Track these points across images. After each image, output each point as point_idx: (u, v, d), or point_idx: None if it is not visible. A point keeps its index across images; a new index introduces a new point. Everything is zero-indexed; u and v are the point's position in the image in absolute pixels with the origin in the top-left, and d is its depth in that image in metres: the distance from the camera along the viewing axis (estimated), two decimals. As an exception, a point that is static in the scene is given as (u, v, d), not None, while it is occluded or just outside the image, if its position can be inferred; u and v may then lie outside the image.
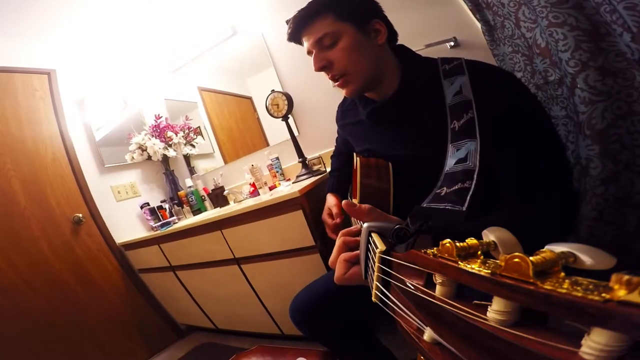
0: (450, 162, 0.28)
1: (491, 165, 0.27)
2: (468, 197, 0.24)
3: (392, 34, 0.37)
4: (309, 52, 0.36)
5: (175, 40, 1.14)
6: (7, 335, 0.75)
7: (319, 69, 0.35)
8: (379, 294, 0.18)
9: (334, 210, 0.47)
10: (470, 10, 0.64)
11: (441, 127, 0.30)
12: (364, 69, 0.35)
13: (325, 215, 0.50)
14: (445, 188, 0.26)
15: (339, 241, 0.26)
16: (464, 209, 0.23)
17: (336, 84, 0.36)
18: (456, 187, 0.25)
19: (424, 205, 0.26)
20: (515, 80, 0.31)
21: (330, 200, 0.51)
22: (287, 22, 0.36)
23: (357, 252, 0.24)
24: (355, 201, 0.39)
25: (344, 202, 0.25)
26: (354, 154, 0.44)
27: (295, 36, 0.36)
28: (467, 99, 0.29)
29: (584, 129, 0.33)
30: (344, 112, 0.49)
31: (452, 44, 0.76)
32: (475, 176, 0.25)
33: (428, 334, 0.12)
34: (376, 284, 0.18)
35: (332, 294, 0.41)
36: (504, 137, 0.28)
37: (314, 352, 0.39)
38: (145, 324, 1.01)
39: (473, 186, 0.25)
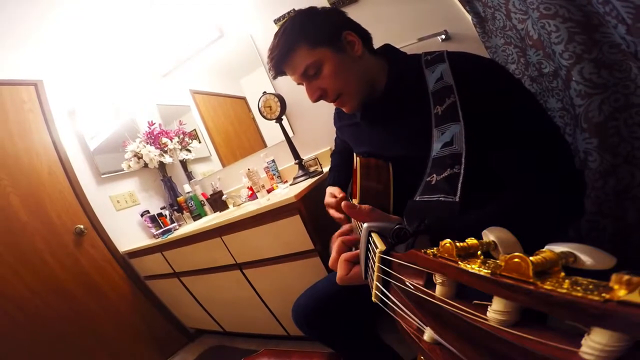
0: (436, 147, 0.27)
1: (479, 150, 0.26)
2: (459, 185, 0.23)
3: (366, 38, 0.37)
4: (299, 84, 0.37)
5: (163, 44, 1.12)
6: (21, 347, 0.75)
7: (316, 99, 0.36)
8: (379, 294, 0.18)
9: (337, 192, 0.47)
10: (460, 1, 0.63)
11: (428, 118, 0.29)
12: (355, 85, 0.35)
13: (327, 198, 0.49)
14: (435, 175, 0.26)
15: (337, 242, 0.26)
16: (457, 199, 0.23)
17: (335, 104, 0.37)
18: (446, 173, 0.25)
19: (417, 199, 0.25)
20: (496, 65, 0.31)
21: (331, 188, 0.50)
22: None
23: (358, 251, 0.24)
24: (355, 201, 0.39)
25: (343, 203, 0.25)
26: (354, 154, 0.44)
27: (280, 74, 0.37)
28: (448, 84, 0.29)
29: (581, 122, 0.33)
30: (340, 114, 0.49)
31: (443, 37, 0.75)
32: (463, 160, 0.24)
33: (428, 334, 0.12)
34: (376, 284, 0.18)
35: (332, 296, 0.41)
36: (490, 123, 0.27)
37: (319, 354, 0.39)
38: (155, 329, 1.01)
39: (462, 171, 0.24)
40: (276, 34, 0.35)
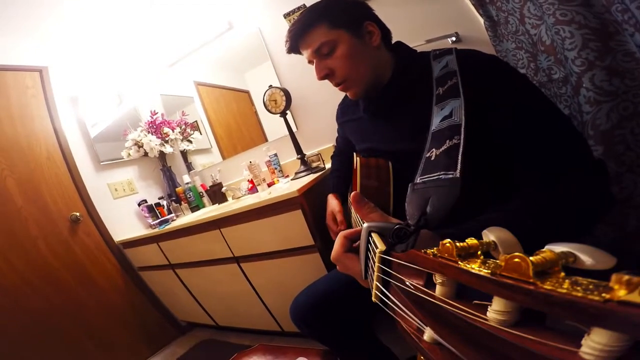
0: (435, 121, 0.27)
1: (479, 125, 0.25)
2: (459, 157, 0.22)
3: (386, 33, 0.38)
4: (310, 62, 0.37)
5: (171, 35, 1.11)
6: (9, 335, 0.75)
7: (322, 77, 0.37)
8: (379, 294, 0.18)
9: (338, 217, 0.48)
10: (473, 5, 0.63)
11: (430, 102, 0.29)
12: (363, 72, 0.35)
13: (329, 221, 0.51)
14: (434, 149, 0.25)
15: (339, 239, 0.26)
16: (458, 173, 0.21)
17: (339, 87, 0.37)
18: (445, 146, 0.24)
19: (417, 181, 0.24)
20: (501, 60, 0.31)
21: (333, 204, 0.51)
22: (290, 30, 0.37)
23: (359, 228, 0.23)
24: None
25: (353, 193, 0.25)
26: (354, 154, 0.44)
27: (294, 49, 0.38)
28: (452, 69, 0.29)
29: (587, 129, 0.33)
30: (344, 110, 0.50)
31: (453, 39, 0.75)
32: (462, 130, 0.24)
33: (428, 334, 0.12)
34: (376, 284, 0.18)
35: (331, 295, 0.41)
36: (493, 107, 0.27)
37: (314, 351, 0.40)
38: (147, 321, 1.01)
39: (462, 141, 0.23)
40: (301, 12, 0.36)
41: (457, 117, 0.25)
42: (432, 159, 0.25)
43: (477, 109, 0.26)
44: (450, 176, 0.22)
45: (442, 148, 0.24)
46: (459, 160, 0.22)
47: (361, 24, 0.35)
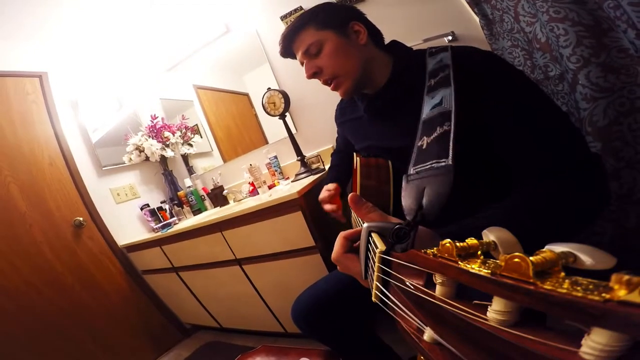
0: (426, 110, 0.27)
1: (469, 114, 0.25)
2: (451, 143, 0.22)
3: (375, 32, 0.39)
4: (302, 63, 0.39)
5: (168, 39, 1.12)
6: (15, 339, 0.76)
7: (310, 76, 0.38)
8: (379, 294, 0.18)
9: (330, 186, 0.49)
10: (468, 3, 0.63)
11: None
12: (351, 69, 0.36)
13: (322, 194, 0.51)
14: (425, 138, 0.25)
15: (339, 239, 0.26)
16: (450, 161, 0.21)
17: (330, 87, 0.38)
18: (436, 133, 0.24)
19: (411, 172, 0.24)
20: (497, 56, 0.31)
21: (328, 185, 0.52)
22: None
23: (359, 229, 0.23)
24: None
25: (350, 195, 0.25)
26: (354, 154, 0.44)
27: (287, 52, 0.39)
28: (445, 64, 0.30)
29: (585, 126, 0.33)
30: (343, 110, 0.50)
31: (450, 38, 0.75)
32: (452, 116, 0.24)
33: (428, 334, 0.12)
34: (376, 284, 0.18)
35: (332, 295, 0.41)
36: (500, 112, 0.27)
37: (316, 351, 0.40)
38: (151, 324, 1.02)
39: (452, 127, 0.23)
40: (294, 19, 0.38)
41: (448, 105, 0.25)
42: (424, 147, 0.25)
43: (470, 100, 0.26)
44: (443, 164, 0.21)
45: (433, 135, 0.24)
46: (450, 147, 0.22)
47: (347, 24, 0.36)
